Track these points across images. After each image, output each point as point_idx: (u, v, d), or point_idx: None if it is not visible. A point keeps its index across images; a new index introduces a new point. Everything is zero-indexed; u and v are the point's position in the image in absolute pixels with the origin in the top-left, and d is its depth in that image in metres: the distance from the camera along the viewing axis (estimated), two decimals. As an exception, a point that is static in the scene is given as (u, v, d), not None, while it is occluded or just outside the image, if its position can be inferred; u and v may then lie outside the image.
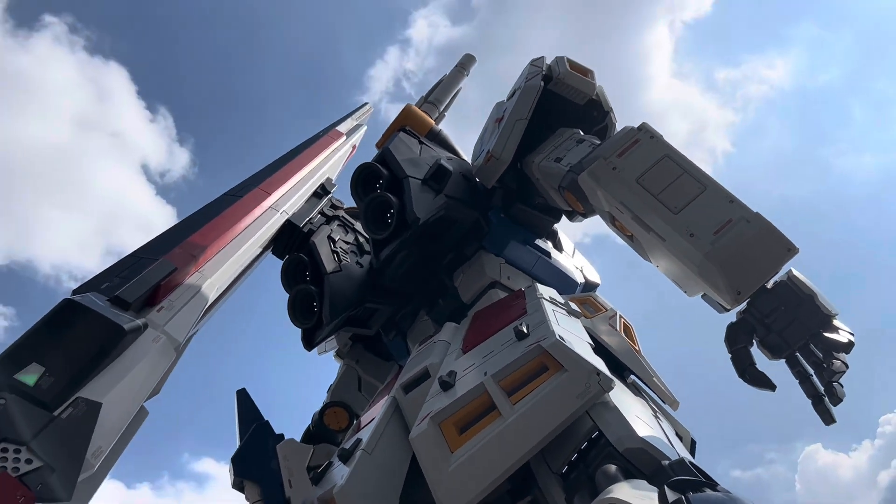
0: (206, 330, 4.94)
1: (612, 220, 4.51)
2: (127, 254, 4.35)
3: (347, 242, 5.94)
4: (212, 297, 4.55)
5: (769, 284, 3.73)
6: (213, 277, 4.66)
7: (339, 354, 6.62)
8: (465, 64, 8.05)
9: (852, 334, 3.53)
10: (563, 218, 6.07)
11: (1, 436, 2.95)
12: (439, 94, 7.53)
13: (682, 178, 4.01)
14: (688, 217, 3.85)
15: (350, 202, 5.96)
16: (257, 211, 5.46)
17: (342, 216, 6.22)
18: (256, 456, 5.61)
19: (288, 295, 5.60)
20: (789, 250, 3.65)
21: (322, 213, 6.10)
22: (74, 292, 3.80)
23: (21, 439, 2.97)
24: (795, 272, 3.74)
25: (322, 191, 6.21)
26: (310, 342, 5.46)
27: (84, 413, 3.28)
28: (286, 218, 5.68)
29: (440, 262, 5.65)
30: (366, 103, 7.79)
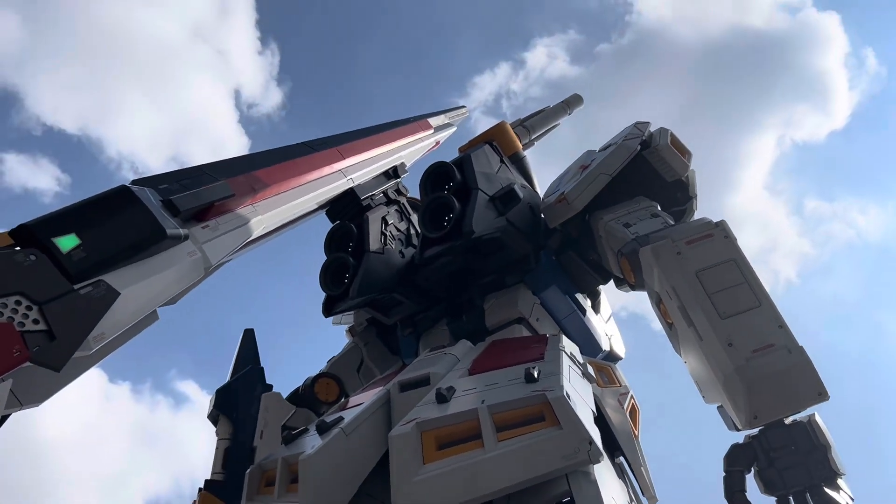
0: (238, 264, 5.02)
1: (657, 302, 4.48)
2: (193, 165, 4.40)
3: (398, 229, 5.94)
4: (255, 233, 4.57)
5: (788, 420, 3.73)
6: (264, 215, 4.69)
7: (351, 331, 6.63)
8: (571, 103, 8.04)
9: (853, 500, 3.46)
10: (611, 283, 6.07)
11: (20, 288, 2.98)
12: (536, 123, 7.54)
13: (740, 287, 3.99)
14: (733, 326, 3.82)
15: (415, 192, 5.99)
16: (326, 169, 5.52)
17: (402, 203, 6.24)
18: (241, 396, 5.66)
19: (325, 258, 5.68)
20: (820, 394, 3.60)
21: (385, 193, 6.13)
22: (133, 182, 3.84)
23: (37, 298, 2.98)
24: (818, 418, 3.70)
25: (393, 173, 6.25)
26: (329, 309, 5.44)
27: (102, 296, 3.31)
28: (351, 186, 5.74)
29: (478, 280, 5.65)
30: (463, 106, 7.81)
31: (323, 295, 5.54)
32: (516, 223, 5.33)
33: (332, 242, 5.73)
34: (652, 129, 5.83)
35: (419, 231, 5.65)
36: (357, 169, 5.79)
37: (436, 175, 5.46)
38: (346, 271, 5.39)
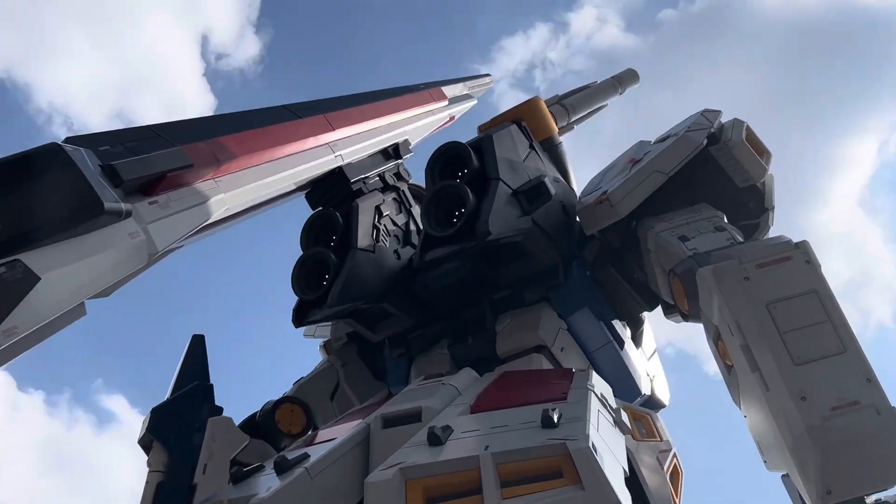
0: (192, 252, 5.06)
1: (716, 339, 4.50)
2: (143, 125, 4.49)
3: (395, 223, 6.02)
4: (216, 215, 4.66)
5: (870, 499, 3.69)
6: (227, 193, 4.77)
7: (326, 347, 6.71)
8: (623, 80, 8.08)
9: None
10: (658, 309, 6.15)
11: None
12: (578, 102, 7.56)
13: (822, 326, 3.99)
14: (808, 375, 3.82)
15: (420, 178, 6.05)
16: (310, 141, 5.61)
17: (403, 191, 6.29)
18: (182, 418, 5.68)
19: (301, 253, 5.75)
20: None
21: (382, 177, 6.21)
22: (67, 140, 3.87)
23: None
24: None
25: (393, 152, 6.33)
26: (301, 317, 5.51)
27: (17, 280, 3.31)
28: (339, 164, 5.84)
29: (491, 294, 5.74)
30: (487, 75, 7.85)
31: (295, 299, 5.61)
32: (544, 225, 5.42)
33: (312, 234, 5.81)
34: (723, 120, 5.89)
35: (421, 227, 5.71)
36: (349, 143, 5.87)
37: (447, 158, 5.52)
38: (326, 271, 5.45)
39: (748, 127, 5.78)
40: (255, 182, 5.08)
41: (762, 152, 5.74)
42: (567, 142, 6.84)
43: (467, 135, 6.14)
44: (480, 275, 5.56)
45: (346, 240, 5.58)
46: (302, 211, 6.05)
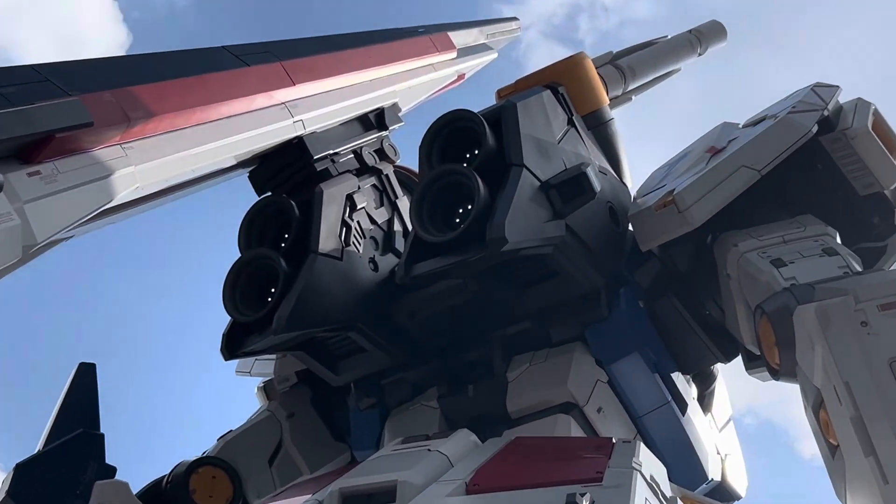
0: (82, 246, 5.22)
1: (816, 407, 4.45)
2: (25, 64, 4.50)
3: (373, 220, 6.08)
4: (121, 196, 4.71)
5: None
6: (140, 166, 4.82)
7: (266, 390, 6.75)
8: (704, 35, 8.09)
9: None
10: (737, 360, 6.13)
11: None
12: (640, 63, 7.59)
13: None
14: (948, 468, 3.75)
15: (411, 159, 6.12)
16: (261, 99, 5.67)
17: (387, 176, 6.31)
18: (58, 480, 5.61)
19: (239, 255, 5.81)
20: None
21: (358, 154, 6.24)
22: None
23: None
24: None
25: (376, 120, 6.36)
26: (233, 346, 5.57)
27: None
28: (300, 133, 5.91)
29: (503, 327, 5.79)
30: (513, 18, 7.91)
31: (226, 319, 5.66)
32: (582, 234, 5.45)
33: (255, 229, 5.91)
34: (842, 99, 5.87)
35: (409, 227, 5.70)
36: (314, 105, 5.96)
37: (451, 133, 5.56)
38: (273, 283, 5.50)
39: (877, 111, 5.77)
40: (178, 152, 5.14)
41: (894, 148, 5.73)
42: (622, 118, 6.85)
43: (481, 101, 6.08)
44: (489, 300, 5.63)
45: (302, 240, 5.61)
46: (244, 196, 6.08)
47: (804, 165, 5.74)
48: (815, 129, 5.66)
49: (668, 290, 5.98)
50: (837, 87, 5.92)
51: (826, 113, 5.76)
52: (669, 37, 7.99)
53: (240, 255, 5.78)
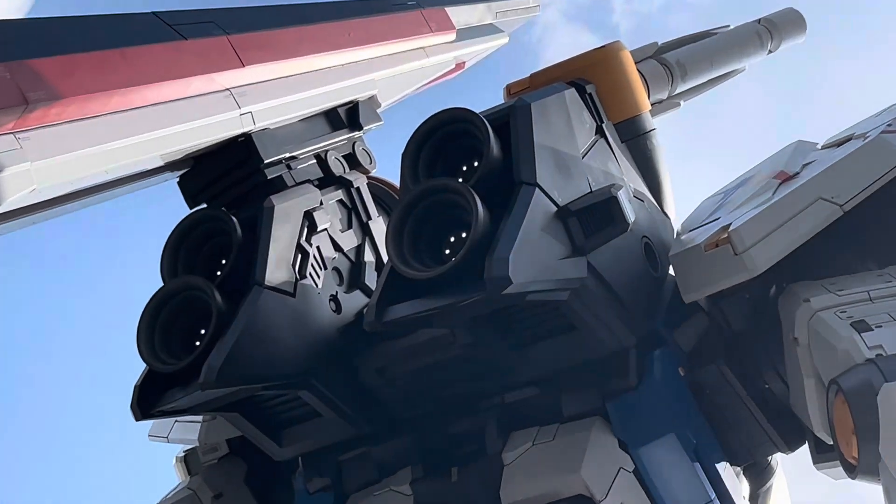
0: None
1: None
2: None
3: (338, 246, 5.77)
4: (12, 200, 4.41)
5: None
6: (36, 163, 4.48)
7: (187, 462, 6.35)
8: (777, 26, 7.86)
9: None
10: (804, 448, 5.70)
11: None
12: (692, 58, 7.22)
13: None
14: None
15: (390, 170, 5.80)
16: (199, 82, 5.36)
17: (357, 189, 6.01)
18: None
19: (162, 284, 5.45)
20: None
21: (323, 159, 5.95)
22: None
23: None
24: None
25: (348, 118, 6.03)
26: (147, 403, 5.13)
27: None
28: (248, 130, 5.63)
29: (500, 393, 5.49)
30: (532, -8, 8.14)
31: (141, 366, 5.26)
32: (610, 277, 5.06)
33: (183, 251, 5.58)
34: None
35: (383, 258, 5.63)
36: (267, 93, 5.63)
37: (443, 138, 5.16)
38: (204, 322, 5.18)
39: None
40: (89, 147, 4.77)
41: None
42: (667, 128, 6.47)
43: (486, 99, 5.38)
44: (484, 357, 5.25)
45: (244, 269, 5.24)
46: (174, 207, 5.83)
47: None
48: None
49: (716, 355, 5.57)
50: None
51: None
52: (732, 27, 7.64)
53: (162, 283, 5.41)
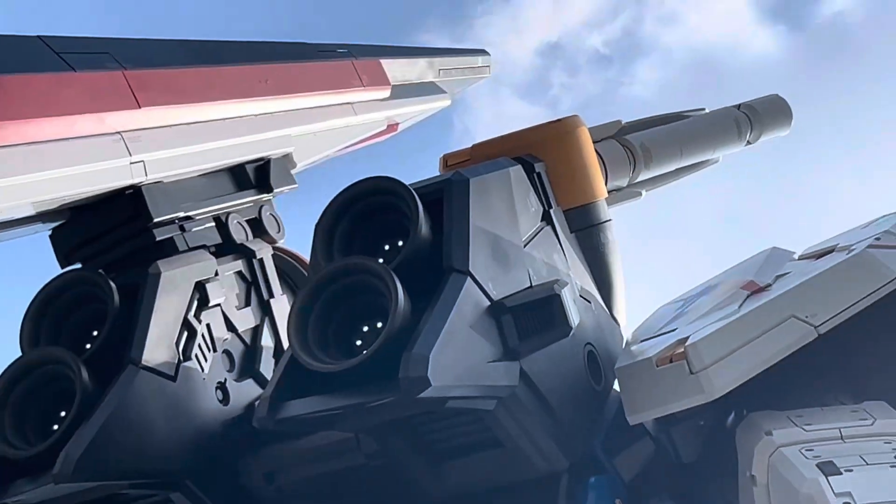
0: None
1: None
2: None
3: (231, 326, 5.69)
4: None
5: None
6: None
7: None
8: (759, 114, 7.86)
9: None
10: None
11: None
12: (659, 142, 7.20)
13: None
14: None
15: (301, 243, 5.77)
16: (86, 122, 5.25)
17: (261, 261, 5.93)
18: None
19: (20, 355, 5.39)
20: None
21: (223, 222, 5.85)
22: None
23: None
24: None
25: (257, 178, 6.01)
26: None
27: None
28: (139, 182, 5.55)
29: None
30: (482, 52, 7.80)
31: None
32: (544, 388, 5.06)
33: (49, 318, 5.52)
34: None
35: (283, 344, 5.62)
36: (164, 141, 5.49)
37: (365, 211, 5.21)
38: (66, 403, 5.12)
39: None
40: None
41: None
42: (625, 220, 6.40)
43: (420, 169, 5.67)
44: (393, 470, 5.18)
45: (118, 343, 5.16)
46: (43, 264, 5.73)
47: (883, 327, 5.40)
48: None
49: (661, 488, 5.57)
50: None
51: None
52: (707, 111, 7.64)
53: (21, 353, 5.36)
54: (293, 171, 6.23)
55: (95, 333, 5.21)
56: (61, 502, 5.08)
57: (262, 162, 6.03)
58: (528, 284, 5.13)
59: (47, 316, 5.38)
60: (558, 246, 5.67)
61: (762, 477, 4.86)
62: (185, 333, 5.25)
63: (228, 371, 5.58)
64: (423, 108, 7.09)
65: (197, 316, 5.34)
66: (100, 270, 5.39)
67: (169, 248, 5.51)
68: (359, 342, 4.77)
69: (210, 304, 5.46)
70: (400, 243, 5.00)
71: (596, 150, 6.32)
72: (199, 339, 5.33)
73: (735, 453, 5.22)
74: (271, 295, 5.94)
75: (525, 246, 5.30)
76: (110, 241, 5.59)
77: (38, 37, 5.21)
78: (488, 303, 4.80)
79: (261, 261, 5.93)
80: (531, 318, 4.87)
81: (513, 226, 5.27)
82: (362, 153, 6.76)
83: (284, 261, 6.12)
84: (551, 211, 5.74)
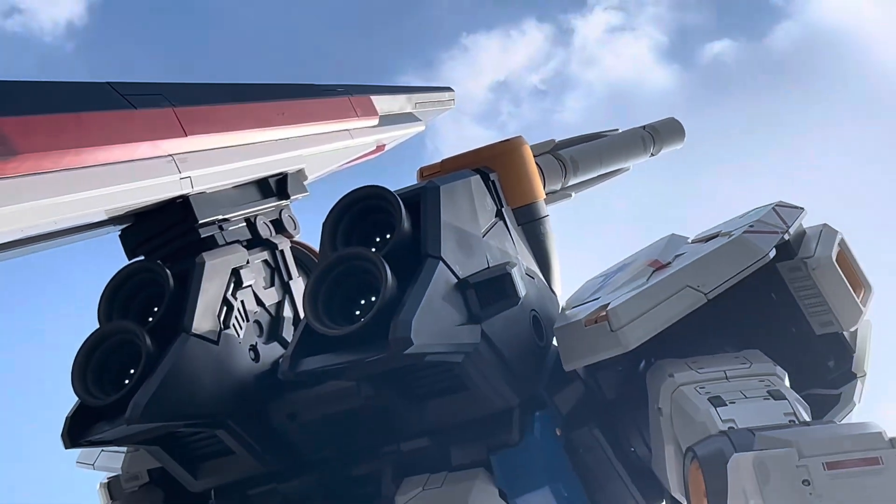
0: None
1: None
2: None
3: (260, 301, 6.13)
4: None
5: None
6: None
7: (110, 488, 6.61)
8: (660, 133, 8.29)
9: None
10: None
11: None
12: (584, 156, 7.68)
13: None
14: None
15: (312, 237, 6.14)
16: (145, 147, 5.65)
17: (282, 252, 6.34)
18: None
19: (98, 326, 5.78)
20: None
21: (252, 223, 6.27)
22: None
23: None
24: None
25: (277, 187, 6.36)
26: (77, 433, 5.48)
27: None
28: (186, 192, 5.95)
29: (396, 442, 5.85)
30: (447, 89, 8.02)
31: (73, 399, 5.58)
32: (500, 344, 5.52)
33: (119, 298, 5.89)
34: (806, 224, 5.98)
35: (301, 314, 5.66)
36: (206, 161, 5.96)
37: (361, 212, 5.63)
38: (133, 363, 5.48)
39: (844, 242, 5.86)
40: (42, 199, 5.06)
41: (858, 285, 5.80)
42: (559, 216, 6.91)
43: (401, 178, 6.17)
44: (385, 409, 5.64)
45: (173, 317, 5.59)
46: (114, 257, 6.03)
47: (757, 293, 5.89)
48: (772, 253, 5.72)
49: (590, 419, 5.97)
50: (802, 209, 6.02)
51: (787, 237, 5.83)
52: (620, 130, 8.12)
53: (98, 325, 5.72)
54: (305, 183, 6.55)
55: (156, 309, 5.67)
56: (132, 439, 5.61)
57: (281, 176, 6.37)
58: (486, 265, 5.65)
59: (118, 297, 5.79)
60: (509, 236, 6.17)
61: (667, 409, 5.42)
62: (225, 308, 5.74)
63: (258, 336, 5.98)
64: (404, 133, 7.44)
65: (233, 294, 5.83)
66: (158, 261, 5.84)
67: (211, 243, 5.99)
68: (357, 312, 5.24)
69: (243, 285, 5.93)
70: (388, 236, 5.46)
71: (536, 162, 6.90)
72: (235, 312, 5.82)
73: (646, 391, 5.79)
74: (290, 277, 6.36)
75: (483, 237, 5.83)
76: (166, 238, 6.02)
77: (108, 83, 5.61)
78: (456, 280, 5.34)
79: (282, 251, 6.35)
80: (489, 291, 5.40)
81: (474, 221, 5.79)
82: (358, 168, 7.27)
83: (299, 251, 6.42)
84: (503, 209, 6.23)
